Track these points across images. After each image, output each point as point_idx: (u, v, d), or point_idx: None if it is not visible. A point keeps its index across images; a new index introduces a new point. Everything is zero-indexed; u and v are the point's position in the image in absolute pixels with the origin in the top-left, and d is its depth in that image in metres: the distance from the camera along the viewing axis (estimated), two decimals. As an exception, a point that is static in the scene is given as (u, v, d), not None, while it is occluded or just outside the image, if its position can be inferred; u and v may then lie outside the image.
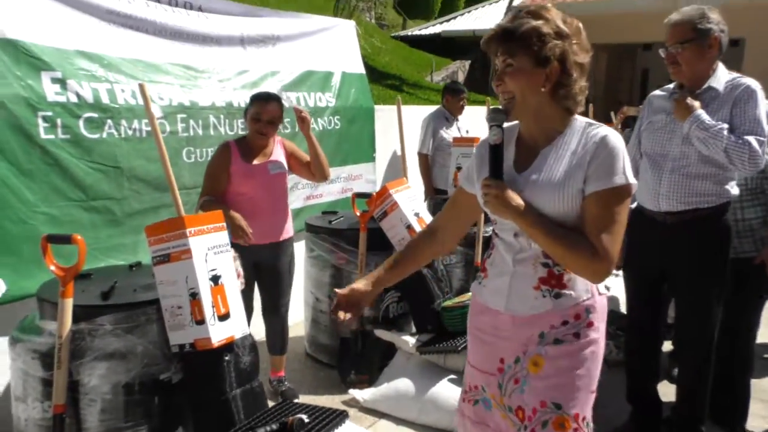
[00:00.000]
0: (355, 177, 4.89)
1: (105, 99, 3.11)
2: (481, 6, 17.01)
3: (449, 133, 5.47)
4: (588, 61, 1.62)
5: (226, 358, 2.38)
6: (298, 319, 4.11)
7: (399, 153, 4.38)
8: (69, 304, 2.21)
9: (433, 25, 16.95)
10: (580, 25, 1.62)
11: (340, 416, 2.42)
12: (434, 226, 1.89)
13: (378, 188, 4.63)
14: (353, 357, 3.62)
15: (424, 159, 5.46)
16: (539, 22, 1.57)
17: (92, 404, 2.31)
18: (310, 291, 3.92)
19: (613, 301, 4.18)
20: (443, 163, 5.37)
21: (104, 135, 3.11)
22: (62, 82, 2.93)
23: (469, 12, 16.89)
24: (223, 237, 2.39)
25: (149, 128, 3.29)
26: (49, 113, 2.87)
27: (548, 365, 1.65)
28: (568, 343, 1.64)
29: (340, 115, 4.69)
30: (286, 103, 3.25)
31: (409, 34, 17.12)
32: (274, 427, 2.22)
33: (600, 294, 1.69)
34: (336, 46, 4.77)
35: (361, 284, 1.81)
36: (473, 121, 6.18)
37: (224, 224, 2.42)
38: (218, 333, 2.27)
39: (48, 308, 2.36)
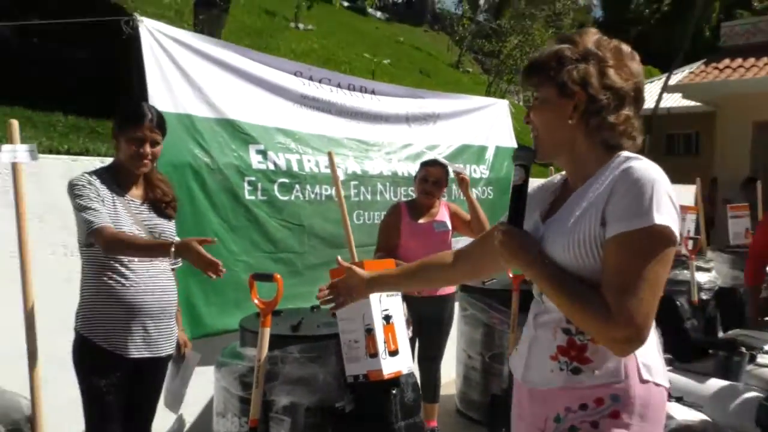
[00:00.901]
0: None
1: (295, 167, 3.66)
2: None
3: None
4: (629, 87, 1.37)
5: (393, 391, 2.65)
6: (450, 377, 4.29)
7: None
8: (267, 332, 2.61)
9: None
10: (623, 47, 1.41)
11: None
12: (458, 253, 1.71)
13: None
14: (504, 413, 3.70)
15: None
16: (564, 46, 1.39)
17: (280, 423, 2.66)
18: (463, 348, 4.12)
19: None
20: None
21: (292, 197, 3.65)
22: (264, 153, 3.52)
23: (620, 92, 16.75)
24: (394, 282, 2.71)
25: (327, 193, 3.81)
26: (253, 178, 3.45)
27: None
28: None
29: (493, 186, 4.98)
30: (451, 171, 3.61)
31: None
32: (436, 456, 2.41)
33: (643, 381, 1.32)
34: (490, 123, 5.13)
35: (362, 274, 1.76)
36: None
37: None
38: (389, 366, 2.55)
39: (248, 337, 2.80)
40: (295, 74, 3.84)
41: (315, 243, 3.77)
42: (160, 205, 2.41)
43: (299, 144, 3.74)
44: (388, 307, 2.64)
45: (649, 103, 14.49)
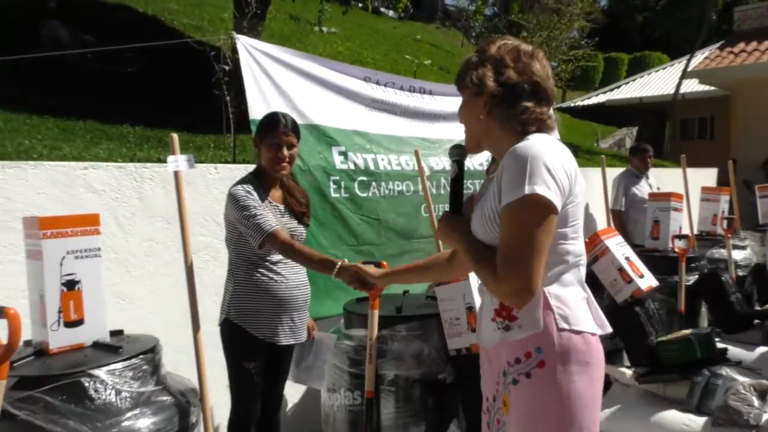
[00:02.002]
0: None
1: (371, 166, 3.97)
2: (647, 74, 17.04)
3: (641, 190, 5.81)
4: (524, 83, 1.59)
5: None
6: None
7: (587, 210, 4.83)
8: (376, 314, 2.92)
9: (597, 95, 17.27)
10: (522, 47, 1.63)
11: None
12: (453, 252, 1.89)
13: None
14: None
15: (618, 215, 5.81)
16: (473, 55, 1.69)
17: (390, 395, 2.98)
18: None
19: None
20: (637, 219, 5.69)
21: (370, 194, 3.96)
22: (345, 155, 3.83)
23: (634, 80, 17.00)
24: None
25: (399, 188, 4.12)
26: (337, 177, 3.76)
27: (512, 407, 1.57)
28: (523, 385, 1.53)
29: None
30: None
31: (572, 105, 17.53)
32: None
33: (560, 330, 1.52)
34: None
35: (373, 273, 2.20)
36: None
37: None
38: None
39: (354, 319, 3.11)
40: (364, 79, 4.14)
41: (390, 235, 4.07)
42: (297, 213, 2.70)
43: (372, 144, 4.05)
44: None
45: (667, 89, 14.78)
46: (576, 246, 1.60)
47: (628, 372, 3.81)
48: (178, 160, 2.41)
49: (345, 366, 3.05)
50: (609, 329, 1.63)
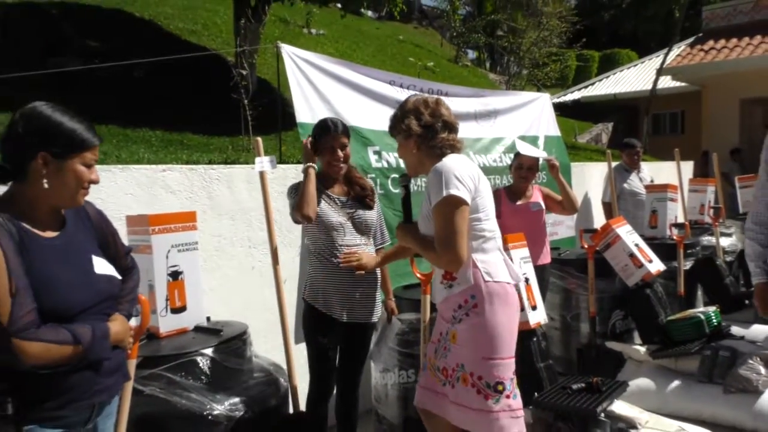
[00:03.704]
0: (559, 222, 5.74)
1: (401, 164, 4.22)
2: (619, 71, 17.59)
3: (630, 184, 6.19)
4: (437, 122, 2.31)
5: (534, 338, 3.25)
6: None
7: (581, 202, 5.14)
8: (428, 299, 3.18)
9: (572, 92, 17.75)
10: (428, 99, 2.37)
11: (622, 385, 3.19)
12: None
13: (575, 232, 5.49)
14: (588, 367, 4.33)
15: (608, 207, 6.20)
16: (397, 112, 2.40)
17: (441, 371, 3.25)
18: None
19: None
20: (626, 210, 6.08)
21: (400, 191, 4.21)
22: (379, 154, 4.09)
23: (607, 77, 17.53)
24: (526, 251, 3.31)
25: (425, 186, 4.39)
26: (373, 175, 4.02)
27: (458, 337, 2.24)
28: (464, 322, 2.23)
29: (545, 171, 5.60)
30: (540, 157, 4.21)
31: (548, 102, 17.95)
32: (583, 385, 3.02)
33: (486, 281, 2.22)
34: (538, 115, 5.75)
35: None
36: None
37: (524, 242, 3.34)
38: (533, 317, 3.16)
39: (403, 304, 3.37)
40: (389, 83, 4.41)
41: (418, 228, 4.34)
42: (362, 199, 2.96)
43: (401, 143, 4.31)
44: (525, 270, 3.24)
45: (639, 85, 15.33)
46: (488, 224, 2.29)
47: (642, 349, 4.15)
48: (263, 162, 2.65)
49: (397, 347, 3.32)
50: (521, 279, 2.48)
